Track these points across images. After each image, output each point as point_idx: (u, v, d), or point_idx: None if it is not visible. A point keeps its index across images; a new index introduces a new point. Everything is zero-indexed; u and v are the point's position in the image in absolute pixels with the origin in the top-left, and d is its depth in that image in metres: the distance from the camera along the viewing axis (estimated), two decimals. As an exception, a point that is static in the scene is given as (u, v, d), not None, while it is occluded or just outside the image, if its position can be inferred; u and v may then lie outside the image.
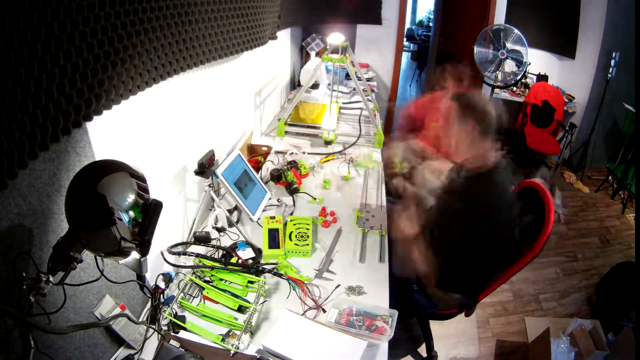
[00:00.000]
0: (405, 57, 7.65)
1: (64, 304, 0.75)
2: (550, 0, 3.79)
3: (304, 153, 2.04)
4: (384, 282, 1.25)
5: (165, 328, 1.04)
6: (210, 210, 1.51)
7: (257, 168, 1.82)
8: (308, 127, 2.29)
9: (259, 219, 1.45)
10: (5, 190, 0.56)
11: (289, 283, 1.18)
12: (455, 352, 1.95)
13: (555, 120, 3.68)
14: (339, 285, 1.21)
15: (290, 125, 2.29)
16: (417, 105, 1.89)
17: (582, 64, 3.78)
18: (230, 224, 1.43)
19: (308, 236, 1.35)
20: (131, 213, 0.66)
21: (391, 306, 1.16)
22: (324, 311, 1.12)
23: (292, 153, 1.98)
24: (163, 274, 1.12)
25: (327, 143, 2.15)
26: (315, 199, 1.66)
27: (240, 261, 1.23)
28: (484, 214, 1.20)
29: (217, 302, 1.13)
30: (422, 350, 1.92)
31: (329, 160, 2.02)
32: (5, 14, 0.51)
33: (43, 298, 0.67)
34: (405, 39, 5.74)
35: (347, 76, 3.05)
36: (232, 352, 0.97)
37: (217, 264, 1.19)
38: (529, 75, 3.91)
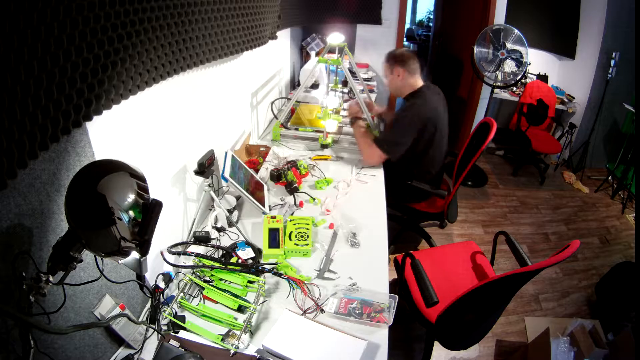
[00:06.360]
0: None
1: (64, 304, 0.75)
2: (550, 0, 3.80)
3: (310, 160, 2.01)
4: (383, 283, 1.25)
5: (165, 328, 1.04)
6: (210, 210, 1.51)
7: (256, 169, 1.82)
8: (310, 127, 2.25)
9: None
10: (5, 190, 0.56)
11: (289, 283, 1.18)
12: (455, 352, 1.94)
13: (549, 117, 3.68)
14: (337, 287, 1.21)
15: (286, 128, 2.23)
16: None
17: (582, 64, 3.78)
18: (230, 224, 1.43)
19: (308, 236, 1.35)
20: (131, 213, 0.66)
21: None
22: (323, 311, 1.12)
23: (290, 161, 1.94)
24: (163, 274, 1.13)
25: (324, 146, 2.13)
26: (314, 199, 1.66)
27: (240, 261, 1.23)
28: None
29: (217, 302, 1.13)
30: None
31: (320, 160, 2.00)
32: (5, 14, 0.51)
33: (43, 298, 0.67)
34: (405, 39, 5.74)
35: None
36: (231, 352, 0.98)
37: (217, 264, 1.19)
38: (529, 75, 3.91)
